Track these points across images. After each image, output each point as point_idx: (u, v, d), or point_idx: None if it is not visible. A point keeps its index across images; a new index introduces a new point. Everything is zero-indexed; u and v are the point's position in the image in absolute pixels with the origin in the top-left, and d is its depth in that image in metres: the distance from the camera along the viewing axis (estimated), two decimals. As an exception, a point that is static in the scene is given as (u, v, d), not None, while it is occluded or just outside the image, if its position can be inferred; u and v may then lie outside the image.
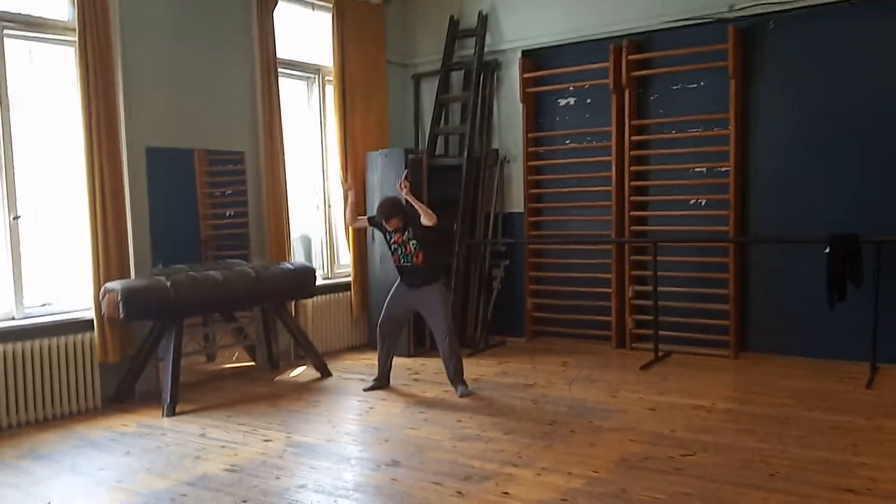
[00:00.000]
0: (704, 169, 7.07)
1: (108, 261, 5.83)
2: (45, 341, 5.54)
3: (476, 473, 4.23)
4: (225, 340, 7.04)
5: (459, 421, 5.27)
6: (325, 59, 7.77)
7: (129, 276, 5.97)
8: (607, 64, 7.36)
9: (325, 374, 6.77)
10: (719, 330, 6.98)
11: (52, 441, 5.08)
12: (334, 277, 8.00)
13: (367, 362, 7.16)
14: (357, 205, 6.24)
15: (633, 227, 7.40)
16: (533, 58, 7.95)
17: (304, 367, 7.05)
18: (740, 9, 6.75)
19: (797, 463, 4.23)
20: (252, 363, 7.09)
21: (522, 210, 8.02)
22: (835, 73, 6.49)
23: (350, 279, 7.89)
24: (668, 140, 7.26)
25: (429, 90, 8.57)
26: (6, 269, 5.56)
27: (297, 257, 7.60)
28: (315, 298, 7.39)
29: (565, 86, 7.80)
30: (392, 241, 6.03)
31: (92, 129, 5.73)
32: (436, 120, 8.30)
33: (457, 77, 8.39)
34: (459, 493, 3.96)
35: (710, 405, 5.44)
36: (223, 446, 4.87)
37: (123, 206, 5.97)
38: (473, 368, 6.71)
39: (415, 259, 5.96)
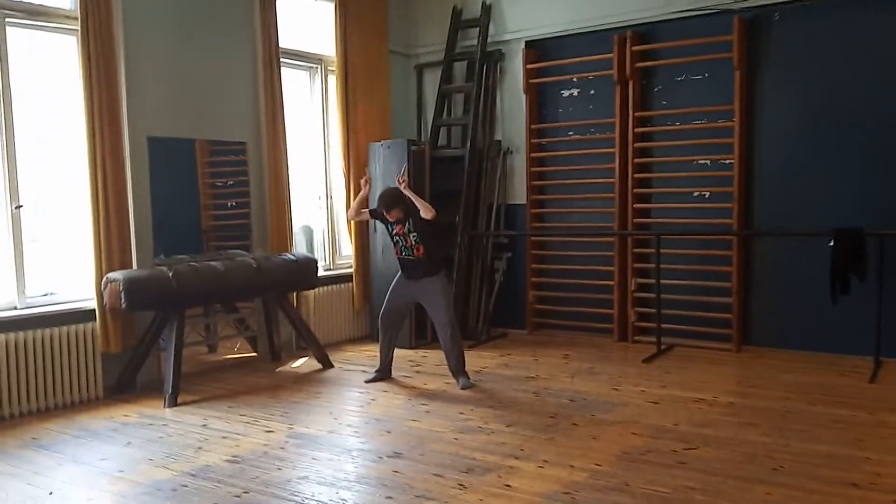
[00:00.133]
0: (708, 161, 7.04)
1: (111, 251, 5.82)
2: (47, 331, 5.53)
3: (478, 466, 4.22)
4: (226, 331, 7.03)
5: (461, 413, 5.26)
6: (328, 49, 7.74)
7: (131, 267, 5.95)
8: (611, 55, 7.33)
9: (327, 365, 6.76)
10: (722, 323, 6.97)
11: (54, 431, 5.07)
12: (336, 268, 7.98)
13: (369, 354, 7.16)
14: (366, 199, 6.20)
15: (636, 220, 7.37)
16: (536, 48, 7.92)
17: (306, 359, 7.04)
18: (745, 0, 6.72)
19: (800, 457, 4.22)
20: (253, 354, 7.08)
21: (525, 202, 8.00)
22: (840, 65, 6.45)
23: (352, 270, 7.88)
24: (672, 132, 7.23)
25: (431, 81, 8.54)
26: (8, 258, 5.54)
27: (299, 248, 7.58)
28: (317, 289, 7.37)
29: (569, 77, 7.77)
30: (394, 232, 6.02)
31: (94, 119, 5.71)
32: (438, 111, 8.27)
33: (460, 68, 8.36)
34: (461, 485, 3.95)
35: (713, 399, 5.43)
36: (225, 437, 4.86)
37: (125, 196, 5.95)
38: (475, 360, 6.71)
39: (415, 252, 5.94)
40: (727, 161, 6.88)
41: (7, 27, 5.48)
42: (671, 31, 7.16)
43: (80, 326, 5.72)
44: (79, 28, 5.64)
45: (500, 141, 8.14)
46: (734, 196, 6.82)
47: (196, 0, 6.52)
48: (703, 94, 7.03)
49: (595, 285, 7.65)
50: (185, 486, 4.06)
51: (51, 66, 5.97)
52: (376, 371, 6.31)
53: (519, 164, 8.06)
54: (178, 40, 6.38)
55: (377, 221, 6.50)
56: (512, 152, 8.10)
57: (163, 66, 6.27)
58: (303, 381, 6.36)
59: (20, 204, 5.55)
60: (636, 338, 7.42)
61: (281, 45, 7.07)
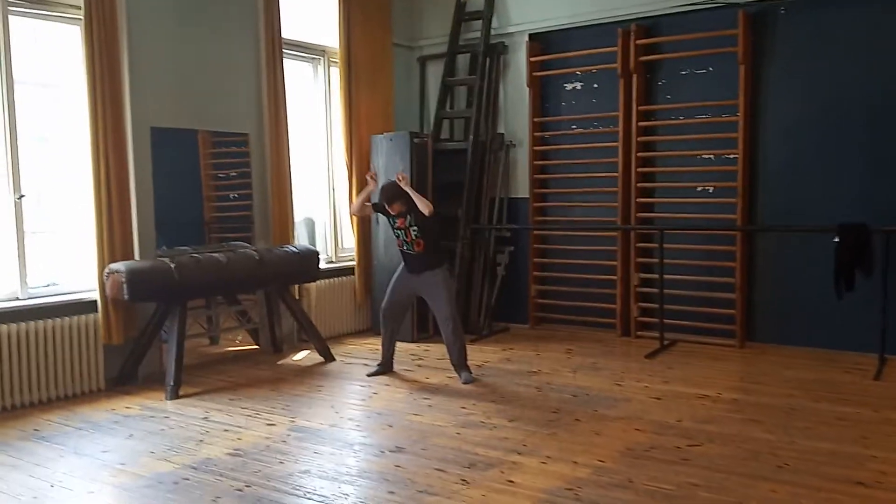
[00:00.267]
0: (712, 156, 7.01)
1: (113, 242, 5.80)
2: (49, 322, 5.52)
3: (480, 461, 4.21)
4: (228, 323, 7.02)
5: (463, 408, 5.25)
6: (331, 40, 7.70)
7: (134, 258, 5.93)
8: (615, 48, 7.30)
9: (329, 358, 6.75)
10: (725, 319, 6.95)
11: (56, 422, 5.06)
12: (338, 261, 7.96)
13: (371, 347, 7.15)
14: (370, 194, 6.16)
15: (639, 214, 7.34)
16: (540, 41, 7.88)
17: (308, 352, 7.03)
18: (751, -7, 6.70)
19: (805, 455, 4.20)
20: (255, 346, 7.07)
21: (528, 195, 7.97)
22: (845, 60, 6.42)
23: (354, 263, 7.85)
24: (676, 126, 7.20)
25: (435, 73, 8.50)
26: (10, 249, 5.52)
27: (301, 240, 7.56)
28: (319, 282, 7.35)
29: (572, 70, 7.73)
30: (396, 226, 6.00)
31: (97, 109, 5.67)
32: (441, 103, 8.24)
33: (463, 60, 8.32)
34: (464, 480, 3.94)
35: (716, 395, 5.42)
36: (226, 430, 4.85)
37: (128, 187, 5.93)
38: (477, 355, 6.70)
39: (416, 246, 5.93)
40: (731, 156, 6.85)
41: (10, 16, 5.45)
42: (675, 24, 7.12)
43: (82, 318, 5.70)
44: (82, 17, 5.61)
45: (502, 134, 8.11)
46: (738, 191, 6.79)
47: (199, -10, 6.51)
48: (708, 88, 7.00)
49: (598, 280, 7.63)
50: (187, 479, 4.04)
51: (54, 56, 5.93)
52: (378, 364, 6.30)
53: (522, 158, 8.03)
54: (181, 30, 6.35)
55: (379, 214, 6.47)
56: (515, 145, 8.07)
57: (166, 57, 6.24)
58: (304, 374, 6.34)
59: (22, 194, 5.52)
60: (639, 333, 7.40)
61: (284, 36, 7.03)
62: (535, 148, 7.92)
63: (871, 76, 6.33)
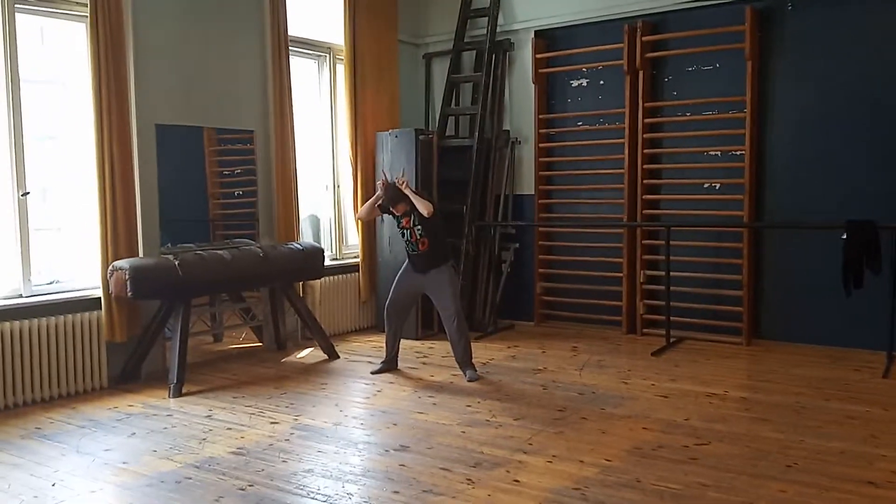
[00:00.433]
0: (719, 152, 6.96)
1: (117, 239, 5.77)
2: (52, 319, 5.49)
3: (486, 460, 4.17)
4: (232, 321, 7.00)
5: (468, 406, 5.21)
6: (337, 37, 7.67)
7: (138, 255, 5.91)
8: (621, 45, 7.25)
9: (333, 355, 6.72)
10: (732, 316, 6.90)
11: (58, 421, 5.03)
12: (343, 258, 7.93)
13: (375, 344, 7.11)
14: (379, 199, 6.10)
15: (645, 211, 7.29)
16: (546, 38, 7.83)
17: (311, 349, 7.00)
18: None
19: (815, 454, 4.15)
20: (259, 344, 7.04)
21: (533, 192, 7.93)
22: (853, 56, 6.36)
23: (358, 260, 7.82)
24: (683, 122, 7.15)
25: (440, 70, 8.46)
26: (14, 246, 5.49)
27: (306, 237, 7.53)
28: (323, 279, 7.31)
29: (578, 67, 7.68)
30: (401, 225, 6.00)
31: (102, 106, 5.65)
32: (447, 100, 8.19)
33: (468, 57, 8.28)
34: (469, 480, 3.90)
35: (724, 393, 5.37)
36: (229, 428, 4.82)
37: (132, 184, 5.90)
38: (482, 352, 6.66)
39: (420, 246, 5.92)
40: (738, 152, 6.81)
41: (17, 13, 5.42)
42: (682, 21, 7.07)
43: (86, 315, 5.68)
44: (88, 14, 5.58)
45: (508, 131, 8.07)
46: (745, 188, 6.74)
47: (204, -13, 6.48)
48: (714, 84, 6.95)
49: (603, 277, 7.57)
50: (190, 478, 4.01)
51: (60, 53, 5.91)
52: (382, 362, 6.27)
53: (527, 155, 7.99)
54: (187, 27, 6.33)
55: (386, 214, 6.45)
56: (520, 142, 8.03)
57: (171, 54, 6.22)
58: (308, 371, 6.31)
59: (27, 191, 5.50)
60: (645, 330, 7.35)
61: (289, 32, 7.00)
62: (541, 145, 7.87)
63: (880, 72, 6.27)
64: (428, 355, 6.76)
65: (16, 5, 5.41)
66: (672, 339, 6.88)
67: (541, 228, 7.93)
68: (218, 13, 6.57)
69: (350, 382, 5.99)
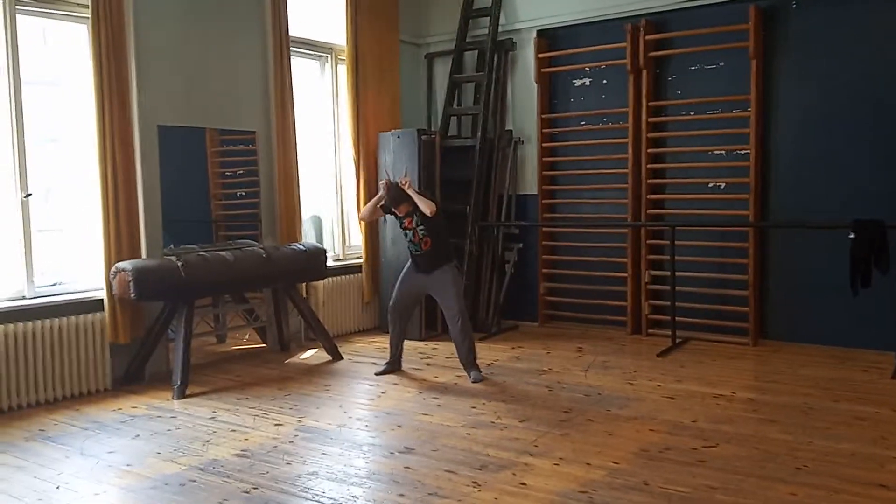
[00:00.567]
0: (724, 152, 6.93)
1: (120, 240, 5.76)
2: (56, 321, 5.47)
3: (492, 462, 4.14)
4: (235, 322, 6.98)
5: (473, 407, 5.18)
6: (339, 37, 7.64)
7: (141, 256, 5.89)
8: (624, 44, 7.22)
9: (336, 357, 6.69)
10: (738, 316, 6.86)
11: (62, 422, 5.01)
12: (345, 259, 7.91)
13: (379, 345, 7.09)
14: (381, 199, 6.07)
15: (649, 211, 7.26)
16: (548, 38, 7.81)
17: (315, 350, 6.97)
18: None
19: (824, 456, 4.12)
20: (262, 345, 7.02)
21: (536, 192, 7.89)
22: (858, 55, 6.33)
23: (361, 261, 7.80)
24: (686, 122, 7.12)
25: (442, 70, 8.44)
26: (17, 247, 5.47)
27: (309, 238, 7.51)
28: (326, 280, 7.30)
29: (581, 66, 7.65)
30: (404, 226, 5.97)
31: (104, 107, 5.64)
32: (449, 100, 8.17)
33: (470, 57, 8.25)
34: (475, 482, 3.87)
35: (731, 394, 5.33)
36: (233, 430, 4.79)
37: (135, 186, 5.89)
38: (486, 353, 6.63)
39: (423, 246, 5.89)
40: (743, 152, 6.77)
41: (18, 15, 5.41)
42: (685, 19, 7.04)
43: (89, 317, 5.65)
44: (89, 15, 5.57)
45: (510, 131, 8.04)
46: (750, 187, 6.70)
47: (206, -13, 6.46)
48: (718, 83, 6.92)
49: (608, 277, 7.54)
50: (194, 480, 3.99)
51: (61, 54, 5.89)
52: (386, 363, 6.24)
53: (530, 154, 7.96)
54: (188, 28, 6.31)
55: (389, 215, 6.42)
56: (523, 142, 8.00)
57: (173, 55, 6.20)
58: (312, 372, 6.29)
59: (30, 193, 5.48)
60: (650, 331, 7.32)
61: (291, 33, 6.99)
62: (544, 144, 7.84)
63: (883, 71, 6.24)
64: (432, 356, 6.74)
65: (17, 7, 5.39)
66: (678, 340, 6.85)
67: (544, 228, 7.90)
68: (219, 14, 6.55)
69: (354, 384, 5.97)
